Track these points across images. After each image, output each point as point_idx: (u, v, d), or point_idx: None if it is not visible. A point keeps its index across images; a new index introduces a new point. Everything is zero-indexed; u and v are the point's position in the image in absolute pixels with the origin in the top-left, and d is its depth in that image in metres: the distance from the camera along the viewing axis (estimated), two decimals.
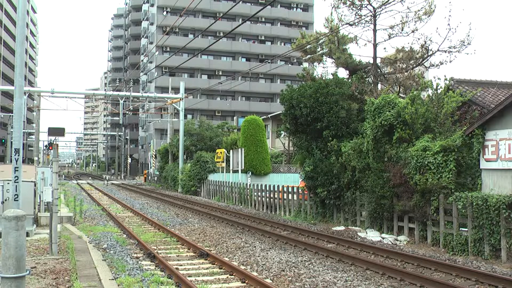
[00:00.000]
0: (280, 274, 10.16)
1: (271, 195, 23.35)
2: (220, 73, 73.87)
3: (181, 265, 10.96)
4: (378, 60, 21.48)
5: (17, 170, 8.33)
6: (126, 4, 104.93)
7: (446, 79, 16.75)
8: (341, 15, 21.65)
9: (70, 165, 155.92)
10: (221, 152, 32.56)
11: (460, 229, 12.55)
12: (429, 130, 15.11)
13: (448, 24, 19.79)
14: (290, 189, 21.94)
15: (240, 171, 30.31)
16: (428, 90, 17.90)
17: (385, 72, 22.48)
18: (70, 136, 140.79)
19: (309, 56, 23.25)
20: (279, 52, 67.79)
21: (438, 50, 20.10)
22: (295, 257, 11.95)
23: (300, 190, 21.02)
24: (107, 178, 63.11)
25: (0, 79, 70.27)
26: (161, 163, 50.15)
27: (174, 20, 60.83)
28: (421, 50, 20.73)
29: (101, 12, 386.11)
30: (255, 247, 13.42)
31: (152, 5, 79.29)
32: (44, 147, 66.72)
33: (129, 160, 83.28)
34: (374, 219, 15.98)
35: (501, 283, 9.16)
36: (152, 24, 77.85)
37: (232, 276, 9.91)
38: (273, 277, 9.95)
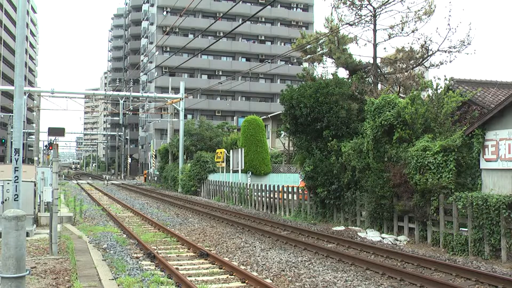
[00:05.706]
0: (280, 274, 10.16)
1: (271, 195, 23.34)
2: (220, 73, 73.84)
3: (181, 265, 10.96)
4: (378, 60, 21.47)
5: (17, 170, 8.34)
6: (126, 4, 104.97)
7: (446, 79, 16.74)
8: (341, 15, 21.67)
9: (77, 166, 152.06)
10: (221, 152, 32.56)
11: (460, 229, 12.55)
12: (429, 130, 15.10)
13: (448, 24, 19.79)
14: (290, 189, 21.93)
15: (240, 171, 30.30)
16: (428, 90, 17.88)
17: (385, 72, 22.47)
18: (70, 136, 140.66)
19: (309, 56, 23.24)
20: (279, 52, 67.76)
21: (438, 50, 20.11)
22: (295, 257, 11.95)
23: (300, 190, 21.01)
24: (107, 178, 63.12)
25: (0, 79, 70.28)
26: (161, 163, 50.14)
27: (174, 20, 60.81)
28: (421, 50, 20.72)
29: (101, 12, 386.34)
30: (255, 247, 13.42)
31: (152, 5, 79.30)
32: (44, 147, 66.70)
33: (129, 160, 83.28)
34: (374, 219, 15.98)
35: (501, 283, 9.16)
36: (152, 24, 77.86)
37: (232, 276, 9.91)
38: (273, 277, 9.95)
